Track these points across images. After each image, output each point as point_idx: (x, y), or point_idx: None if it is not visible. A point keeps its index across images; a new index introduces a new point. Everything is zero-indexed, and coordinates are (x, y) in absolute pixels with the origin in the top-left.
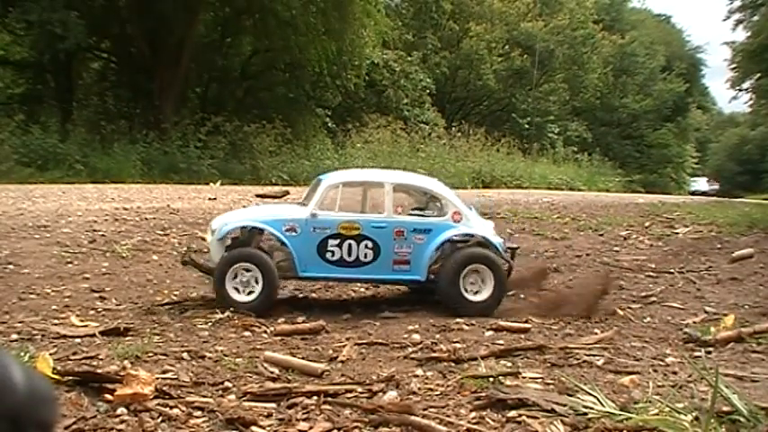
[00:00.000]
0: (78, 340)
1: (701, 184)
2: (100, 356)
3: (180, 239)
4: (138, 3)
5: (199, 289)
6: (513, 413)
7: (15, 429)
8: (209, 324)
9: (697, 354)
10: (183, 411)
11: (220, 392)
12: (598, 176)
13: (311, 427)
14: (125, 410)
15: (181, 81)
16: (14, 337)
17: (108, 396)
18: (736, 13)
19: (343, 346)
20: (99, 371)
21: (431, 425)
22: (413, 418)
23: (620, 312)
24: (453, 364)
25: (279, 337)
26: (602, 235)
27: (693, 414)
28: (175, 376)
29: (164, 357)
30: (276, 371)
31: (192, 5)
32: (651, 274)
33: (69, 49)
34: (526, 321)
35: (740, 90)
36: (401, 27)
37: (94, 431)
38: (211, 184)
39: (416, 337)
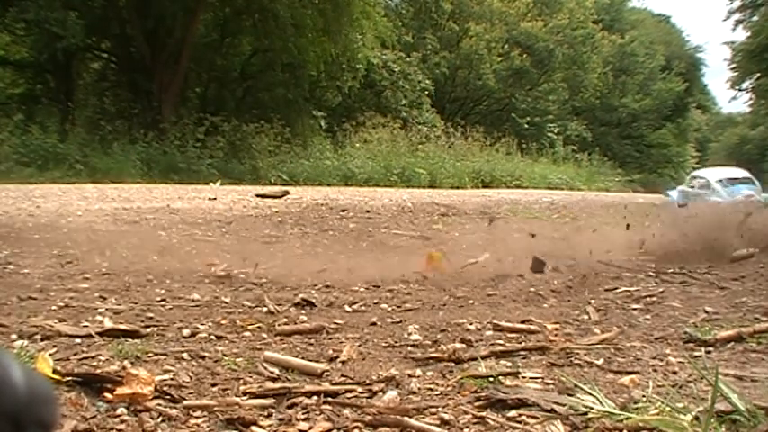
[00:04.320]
0: (78, 340)
1: None
2: (100, 356)
3: (180, 239)
4: (137, 3)
5: (198, 288)
6: (513, 413)
7: (15, 429)
8: (209, 324)
9: (697, 353)
10: (183, 411)
11: (220, 392)
12: (598, 176)
13: (311, 427)
14: (125, 410)
15: (180, 81)
16: (14, 337)
17: (108, 396)
18: (736, 13)
19: (344, 346)
20: (99, 371)
21: (427, 427)
22: (409, 420)
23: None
24: (453, 364)
25: (279, 337)
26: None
27: (693, 414)
28: (175, 376)
29: (164, 357)
30: (276, 371)
31: (191, 6)
32: (651, 273)
33: (67, 48)
34: (526, 321)
35: (740, 90)
36: (401, 27)
37: (94, 431)
38: (211, 183)
39: (416, 337)
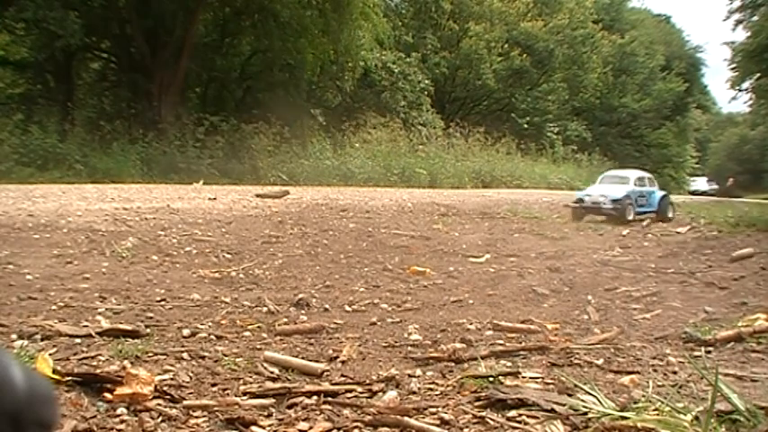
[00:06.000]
0: (78, 340)
1: (701, 183)
2: (100, 356)
3: (180, 239)
4: (137, 3)
5: (198, 288)
6: (513, 413)
7: (15, 429)
8: (209, 324)
9: (697, 353)
10: (183, 411)
11: (220, 392)
12: (598, 176)
13: (311, 427)
14: (125, 410)
15: (180, 81)
16: (14, 337)
17: (108, 396)
18: (736, 13)
19: (344, 346)
20: (99, 371)
21: (427, 427)
22: (409, 420)
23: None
24: (453, 364)
25: (279, 337)
26: (601, 235)
27: (693, 414)
28: (175, 376)
29: (164, 357)
30: (276, 371)
31: (191, 6)
32: (651, 273)
33: (66, 47)
34: (526, 321)
35: (740, 90)
36: (401, 27)
37: (94, 431)
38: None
39: (416, 337)
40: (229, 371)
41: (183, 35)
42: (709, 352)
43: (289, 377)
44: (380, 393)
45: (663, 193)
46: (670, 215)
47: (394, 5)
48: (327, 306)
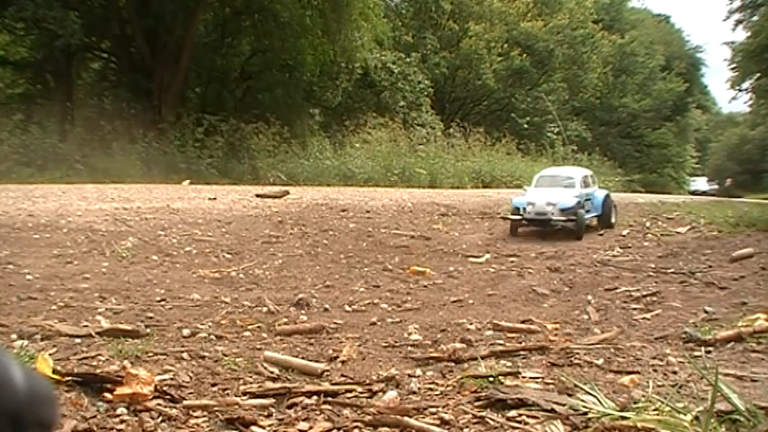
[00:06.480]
0: (78, 340)
1: (701, 183)
2: (100, 356)
3: (180, 239)
4: (137, 3)
5: (198, 288)
6: (513, 413)
7: (15, 429)
8: (209, 324)
9: (697, 353)
10: (183, 411)
11: (220, 392)
12: (598, 176)
13: (311, 427)
14: (125, 410)
15: (180, 81)
16: (14, 337)
17: (108, 396)
18: (736, 13)
19: (344, 346)
20: (99, 371)
21: (427, 427)
22: (409, 420)
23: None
24: (453, 364)
25: (279, 337)
26: (601, 235)
27: (693, 414)
28: (175, 376)
29: (164, 357)
30: (276, 371)
31: (191, 6)
32: (651, 273)
33: (65, 47)
34: (526, 321)
35: (740, 90)
36: (401, 27)
37: (94, 431)
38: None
39: (416, 337)
40: (229, 371)
41: (183, 35)
42: (709, 352)
43: (289, 377)
44: (380, 393)
45: (605, 192)
46: (613, 220)
47: (394, 5)
48: (327, 306)
